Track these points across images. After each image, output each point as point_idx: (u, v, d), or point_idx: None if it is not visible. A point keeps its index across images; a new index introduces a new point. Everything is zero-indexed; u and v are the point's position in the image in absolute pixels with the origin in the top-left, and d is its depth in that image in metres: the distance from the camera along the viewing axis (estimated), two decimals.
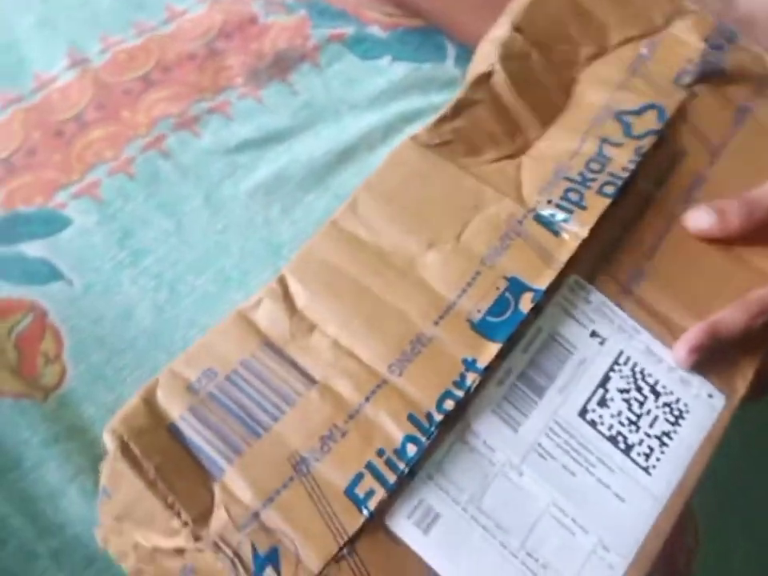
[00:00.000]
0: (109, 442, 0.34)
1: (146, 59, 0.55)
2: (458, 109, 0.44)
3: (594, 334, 0.39)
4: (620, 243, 0.41)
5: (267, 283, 0.40)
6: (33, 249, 0.48)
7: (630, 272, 0.41)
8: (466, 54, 0.55)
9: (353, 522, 0.33)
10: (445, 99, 0.55)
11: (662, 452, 0.37)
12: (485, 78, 0.45)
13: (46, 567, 0.41)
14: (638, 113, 0.43)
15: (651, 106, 0.43)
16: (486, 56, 0.46)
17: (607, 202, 0.40)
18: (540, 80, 0.46)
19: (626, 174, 0.40)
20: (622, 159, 0.41)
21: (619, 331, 0.39)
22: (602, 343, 0.39)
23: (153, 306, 0.47)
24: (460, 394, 0.35)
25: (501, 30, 0.47)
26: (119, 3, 0.59)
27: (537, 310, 0.38)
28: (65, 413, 0.44)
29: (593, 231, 0.39)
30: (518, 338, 0.38)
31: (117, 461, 0.34)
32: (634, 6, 0.49)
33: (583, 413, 0.37)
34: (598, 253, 0.41)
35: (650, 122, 0.43)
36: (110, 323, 0.46)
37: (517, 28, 0.46)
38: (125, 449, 0.34)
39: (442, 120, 0.43)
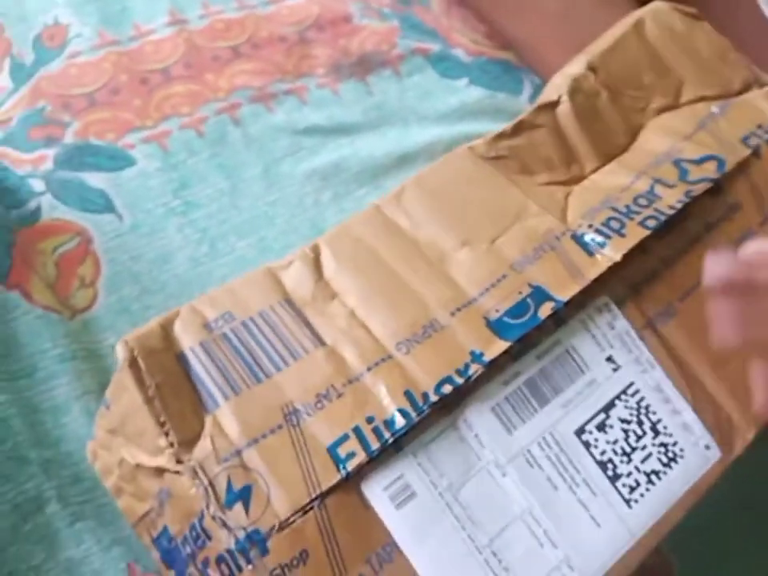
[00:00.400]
0: (120, 352, 0.36)
1: (240, 32, 0.58)
2: (519, 129, 0.45)
3: (609, 359, 0.39)
4: (657, 278, 0.42)
5: None
6: (94, 179, 0.50)
7: (660, 308, 0.41)
8: (541, 90, 0.56)
9: (328, 478, 0.33)
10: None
11: (648, 489, 0.37)
12: (551, 105, 0.46)
13: (33, 473, 0.43)
14: (697, 162, 0.44)
15: (712, 157, 0.44)
16: (556, 87, 0.47)
17: (646, 233, 0.40)
18: (605, 119, 0.47)
19: (671, 212, 0.41)
20: (671, 199, 0.42)
21: (635, 363, 0.39)
22: (615, 370, 0.39)
23: (191, 256, 0.49)
24: (460, 381, 0.36)
25: (576, 66, 0.48)
26: None
27: (560, 322, 0.39)
28: (86, 335, 0.46)
29: (628, 258, 0.40)
30: (534, 344, 0.38)
31: (123, 372, 0.35)
32: (714, 68, 0.50)
33: (580, 432, 0.38)
34: (633, 282, 0.41)
35: (707, 170, 0.43)
36: (147, 263, 0.48)
37: (591, 67, 0.48)
38: (132, 362, 0.35)
39: (501, 136, 0.45)
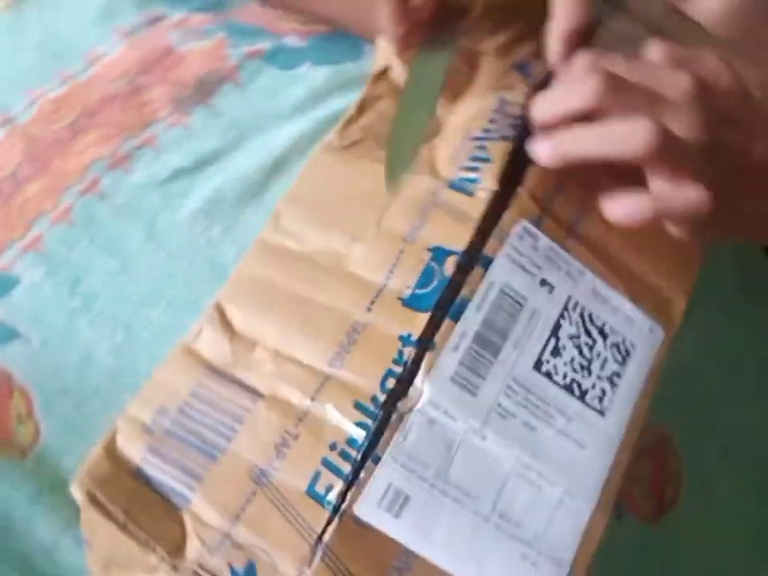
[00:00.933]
0: (76, 494, 0.35)
1: (70, 107, 0.56)
2: (363, 108, 0.45)
3: (543, 282, 0.39)
4: (561, 182, 0.41)
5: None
6: None
7: (574, 210, 0.41)
8: None
9: (318, 519, 0.33)
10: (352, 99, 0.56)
11: (614, 392, 0.38)
12: (383, 73, 0.45)
13: None
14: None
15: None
16: (383, 52, 0.46)
17: (509, 145, 0.40)
18: None
19: (521, 111, 0.40)
20: (519, 97, 0.41)
21: (566, 276, 0.39)
22: (550, 291, 0.39)
23: (111, 347, 0.48)
24: (399, 369, 0.35)
25: None
26: (41, 55, 0.60)
27: (487, 265, 0.39)
28: (45, 468, 0.45)
29: (519, 173, 0.39)
30: (470, 297, 0.38)
31: (87, 511, 0.35)
32: None
33: (538, 365, 0.38)
34: (543, 196, 0.41)
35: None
36: (72, 372, 0.47)
37: None
38: (92, 499, 0.35)
39: (349, 121, 0.44)
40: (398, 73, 0.45)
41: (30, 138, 0.55)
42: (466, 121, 0.43)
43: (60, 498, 0.44)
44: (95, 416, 0.46)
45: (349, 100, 0.57)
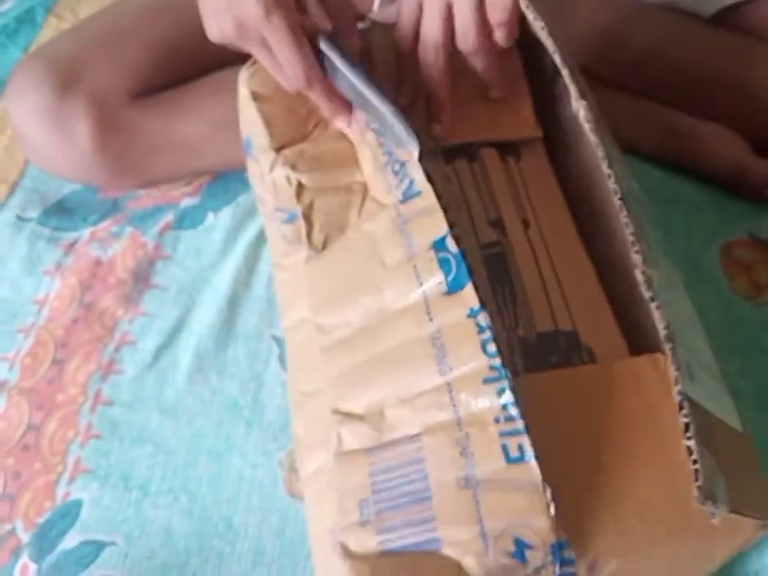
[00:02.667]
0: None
1: (45, 350, 0.63)
2: (307, 216, 0.50)
3: None
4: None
5: None
6: (69, 541, 0.54)
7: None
8: None
9: (530, 470, 0.38)
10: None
11: None
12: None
13: None
14: None
15: None
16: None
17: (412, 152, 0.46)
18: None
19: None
20: None
21: None
22: None
23: (182, 512, 0.55)
24: (487, 335, 0.41)
25: None
26: (2, 319, 0.67)
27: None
28: None
29: None
30: None
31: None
32: None
33: None
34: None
35: None
36: (162, 550, 0.54)
37: None
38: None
39: (309, 233, 0.50)
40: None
41: (28, 391, 0.62)
42: (371, 163, 0.50)
43: None
44: (199, 571, 0.52)
45: (256, 225, 0.66)
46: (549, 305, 0.49)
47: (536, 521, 0.38)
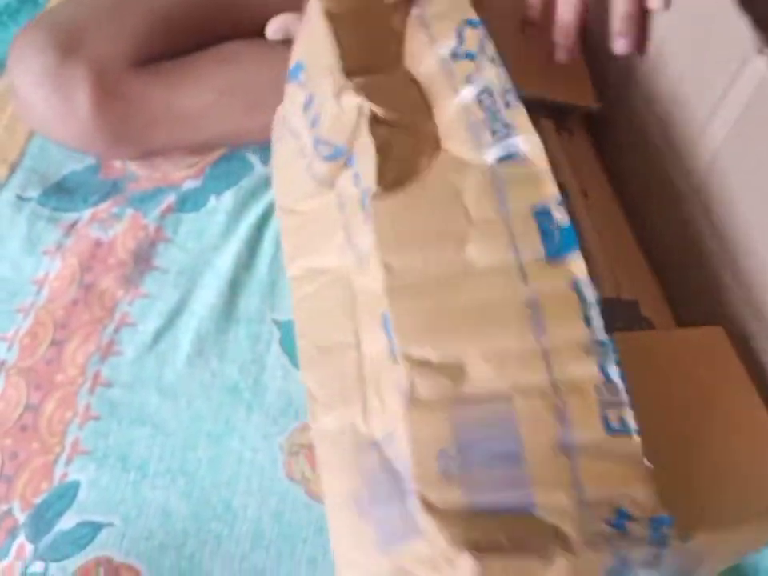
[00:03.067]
0: None
1: (45, 330, 0.63)
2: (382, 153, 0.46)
3: None
4: None
5: None
6: (66, 522, 0.54)
7: None
8: (266, 150, 0.64)
9: (633, 444, 0.38)
10: (269, 200, 0.64)
11: None
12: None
13: None
14: None
15: None
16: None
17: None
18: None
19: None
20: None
21: None
22: None
23: (179, 494, 0.55)
24: (594, 313, 0.40)
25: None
26: (2, 299, 0.66)
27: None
28: None
29: None
30: None
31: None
32: None
33: None
34: None
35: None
36: (159, 530, 0.54)
37: None
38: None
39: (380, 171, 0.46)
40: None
41: (27, 371, 0.61)
42: (455, 117, 0.47)
43: None
44: (197, 553, 0.52)
45: (259, 208, 0.66)
46: (612, 274, 0.49)
47: (639, 493, 0.37)
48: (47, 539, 0.54)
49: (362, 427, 0.42)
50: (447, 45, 0.48)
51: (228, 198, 0.68)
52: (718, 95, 0.44)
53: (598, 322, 0.39)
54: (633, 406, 0.38)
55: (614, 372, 0.38)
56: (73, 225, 0.69)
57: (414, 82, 0.49)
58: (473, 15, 0.47)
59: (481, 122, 0.45)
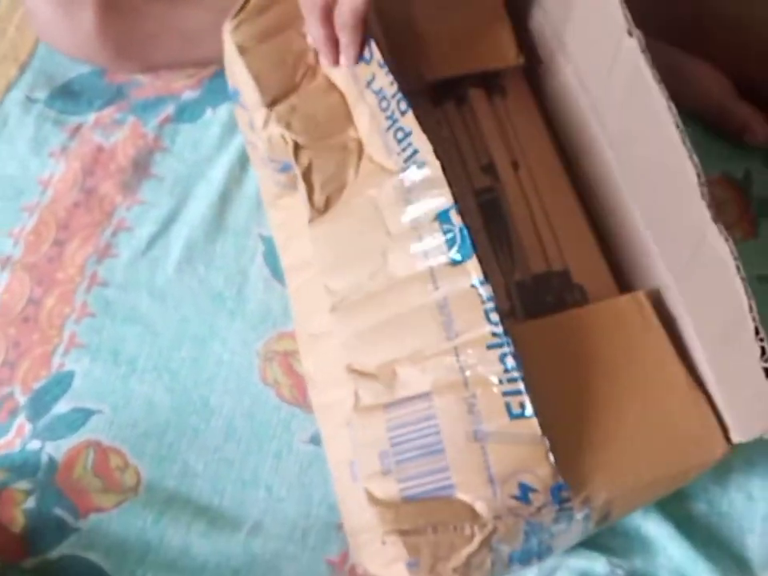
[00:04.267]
0: None
1: (48, 229, 0.67)
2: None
3: None
4: None
5: None
6: (61, 407, 0.60)
7: None
8: None
9: (531, 426, 0.42)
10: None
11: None
12: None
13: None
14: None
15: None
16: None
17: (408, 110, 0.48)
18: None
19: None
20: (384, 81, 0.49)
21: None
22: None
23: (164, 388, 0.60)
24: (490, 305, 0.43)
25: None
26: (6, 197, 0.70)
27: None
28: (155, 494, 0.57)
29: None
30: None
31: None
32: None
33: None
34: None
35: None
36: (144, 419, 0.59)
37: None
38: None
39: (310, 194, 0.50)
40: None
41: (30, 267, 0.66)
42: (368, 123, 0.50)
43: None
44: (176, 442, 0.58)
45: None
46: (541, 246, 0.52)
47: (538, 468, 0.42)
48: (44, 420, 0.60)
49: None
50: None
51: (224, 111, 0.70)
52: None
53: (494, 318, 0.43)
54: (529, 392, 0.42)
55: (510, 363, 0.42)
56: (77, 128, 0.72)
57: (334, 86, 0.51)
58: None
59: (385, 129, 0.48)
